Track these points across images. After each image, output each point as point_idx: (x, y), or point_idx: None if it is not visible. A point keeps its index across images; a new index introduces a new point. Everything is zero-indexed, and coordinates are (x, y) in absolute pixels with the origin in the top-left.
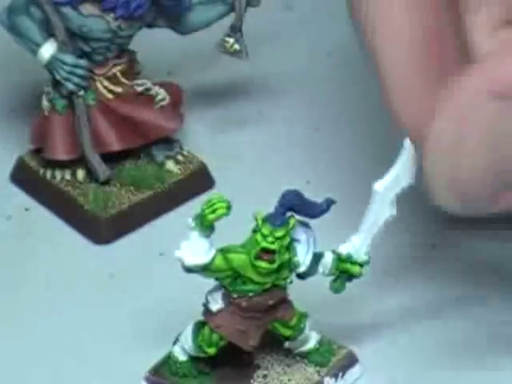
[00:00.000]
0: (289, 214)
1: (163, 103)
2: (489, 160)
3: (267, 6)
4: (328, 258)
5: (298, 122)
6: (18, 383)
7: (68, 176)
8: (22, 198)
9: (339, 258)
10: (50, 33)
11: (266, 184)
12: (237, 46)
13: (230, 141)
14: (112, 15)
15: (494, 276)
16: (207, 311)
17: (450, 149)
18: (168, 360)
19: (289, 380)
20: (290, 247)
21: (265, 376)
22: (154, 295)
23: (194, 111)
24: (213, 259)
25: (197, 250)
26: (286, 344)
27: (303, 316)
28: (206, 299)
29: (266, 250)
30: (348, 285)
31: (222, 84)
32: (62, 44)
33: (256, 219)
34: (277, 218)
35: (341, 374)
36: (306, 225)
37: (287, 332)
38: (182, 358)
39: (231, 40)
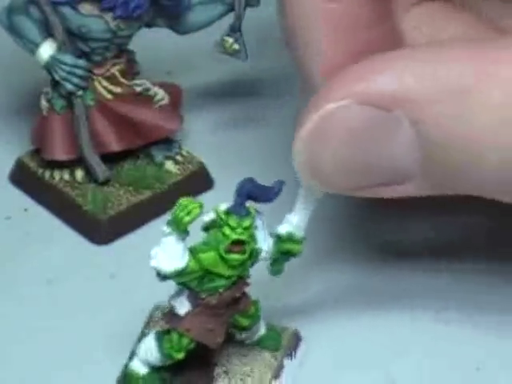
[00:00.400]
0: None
1: (162, 103)
2: (351, 158)
3: (267, 6)
4: (269, 242)
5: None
6: (18, 380)
7: (67, 176)
8: (21, 198)
9: (280, 239)
10: (49, 33)
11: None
12: (236, 46)
13: (230, 141)
14: (111, 15)
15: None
16: (173, 317)
17: (312, 140)
18: (127, 378)
19: (251, 370)
20: (253, 235)
21: (226, 372)
22: (154, 295)
23: (194, 111)
24: (188, 262)
25: (173, 255)
26: (243, 335)
27: (257, 303)
28: (171, 306)
29: (236, 242)
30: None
31: (222, 84)
32: (61, 44)
33: (218, 214)
34: (241, 209)
35: (293, 354)
36: (258, 211)
37: (246, 322)
38: (143, 371)
39: (230, 40)
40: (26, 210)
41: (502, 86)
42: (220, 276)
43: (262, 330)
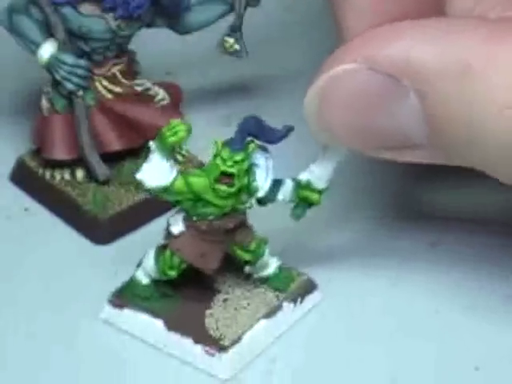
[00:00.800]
0: (249, 139)
1: (163, 103)
2: (357, 120)
3: (266, 6)
4: (288, 185)
5: (298, 121)
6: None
7: (67, 176)
8: (21, 197)
9: (299, 186)
10: (49, 33)
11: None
12: (237, 46)
13: None
14: (112, 15)
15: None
16: (168, 234)
17: (321, 99)
18: (131, 283)
19: (248, 304)
20: (249, 172)
21: (225, 300)
22: None
23: (194, 111)
24: (173, 182)
25: (157, 172)
26: (246, 269)
27: (263, 242)
28: (168, 222)
29: (225, 174)
30: (310, 213)
31: (222, 84)
32: (61, 44)
33: (216, 144)
34: (236, 143)
35: (299, 300)
36: (265, 150)
37: (246, 256)
38: (145, 281)
39: (231, 40)
40: (26, 209)
41: (506, 71)
42: (211, 204)
43: (271, 269)
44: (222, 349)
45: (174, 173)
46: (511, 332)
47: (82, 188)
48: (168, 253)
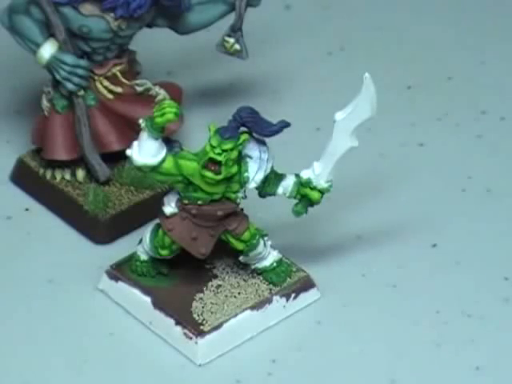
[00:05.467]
0: (244, 129)
1: None
2: None
3: (267, 5)
4: (289, 181)
5: (299, 121)
6: (19, 379)
7: (68, 176)
8: (21, 198)
9: (300, 182)
10: (50, 33)
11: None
12: (237, 46)
13: None
14: (112, 15)
15: None
16: (162, 214)
17: None
18: (131, 258)
19: (238, 293)
20: (240, 162)
21: (218, 286)
22: None
23: (194, 111)
24: (162, 162)
25: (146, 150)
26: (241, 258)
27: (258, 233)
28: (163, 201)
29: (212, 161)
30: (316, 209)
31: (222, 84)
32: (62, 44)
33: (209, 130)
34: (226, 131)
35: (293, 296)
36: (262, 143)
37: (239, 246)
38: (144, 257)
39: (231, 40)
40: (26, 209)
41: None
42: (200, 188)
43: (267, 261)
44: (200, 333)
45: (163, 153)
46: (511, 332)
47: (83, 188)
48: (161, 232)
